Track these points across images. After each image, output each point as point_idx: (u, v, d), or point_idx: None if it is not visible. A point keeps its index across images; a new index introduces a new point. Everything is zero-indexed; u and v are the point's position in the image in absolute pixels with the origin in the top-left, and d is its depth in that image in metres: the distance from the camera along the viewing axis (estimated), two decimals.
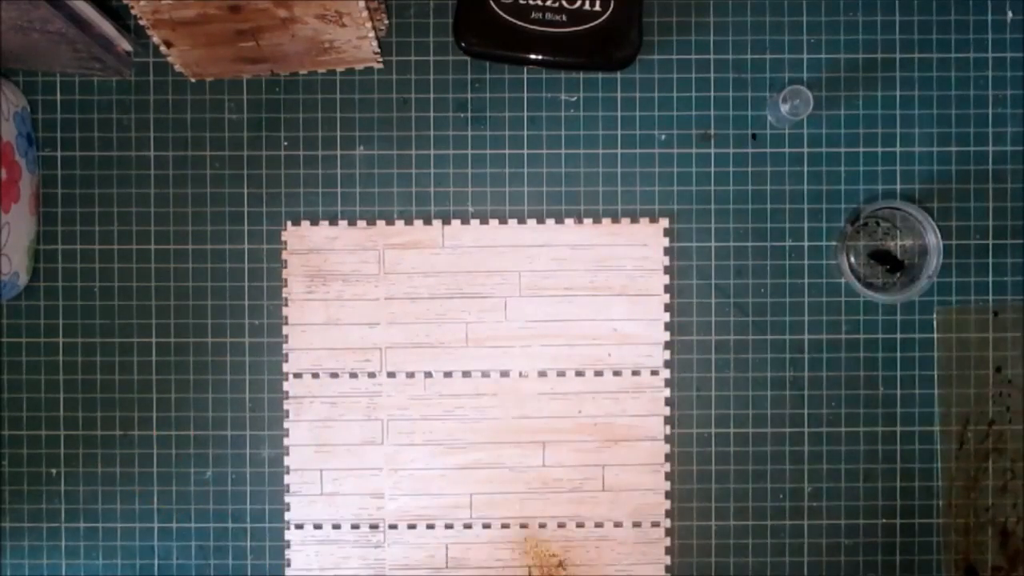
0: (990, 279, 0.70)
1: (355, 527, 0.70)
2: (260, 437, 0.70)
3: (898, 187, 0.70)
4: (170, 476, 0.70)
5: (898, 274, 0.70)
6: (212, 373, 0.70)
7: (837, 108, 0.70)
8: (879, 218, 0.70)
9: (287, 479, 0.70)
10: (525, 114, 0.70)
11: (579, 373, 0.70)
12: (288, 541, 0.70)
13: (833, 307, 0.70)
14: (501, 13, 0.66)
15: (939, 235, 0.67)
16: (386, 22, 0.69)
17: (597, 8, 0.66)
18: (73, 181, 0.70)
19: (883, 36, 0.70)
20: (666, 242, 0.70)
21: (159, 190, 0.71)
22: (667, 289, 0.70)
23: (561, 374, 0.70)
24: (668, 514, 0.70)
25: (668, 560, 0.70)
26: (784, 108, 0.67)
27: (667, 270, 0.70)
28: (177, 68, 0.68)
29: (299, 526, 0.70)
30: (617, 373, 0.70)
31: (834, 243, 0.70)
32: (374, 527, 0.70)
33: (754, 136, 0.70)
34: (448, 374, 0.70)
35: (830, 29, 0.70)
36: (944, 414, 0.70)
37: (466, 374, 0.70)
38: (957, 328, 0.70)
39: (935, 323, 0.70)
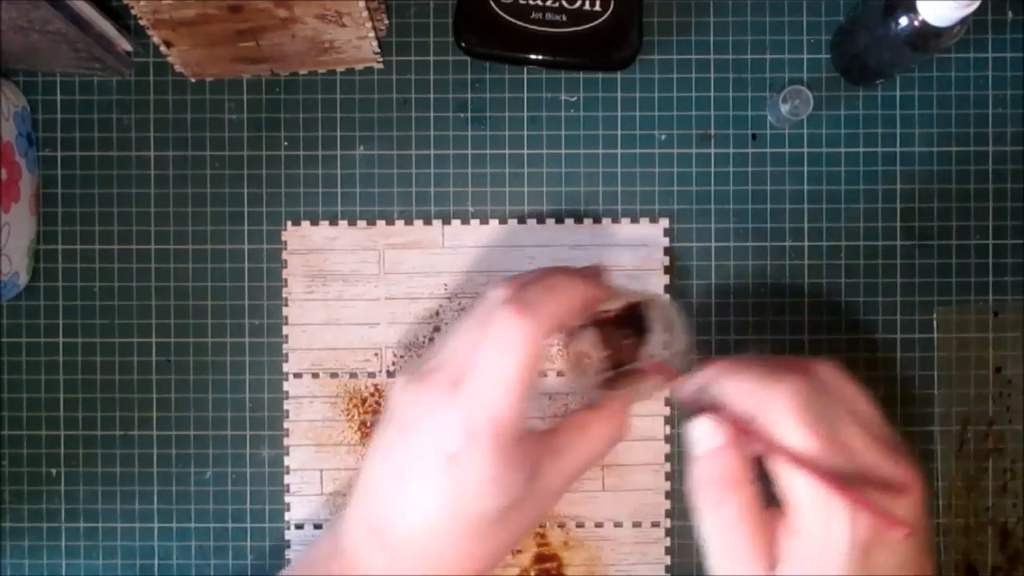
0: (990, 279, 0.70)
1: None
2: (260, 437, 0.70)
3: (898, 187, 0.70)
4: (170, 476, 0.70)
5: None
6: (212, 373, 0.70)
7: (837, 108, 0.70)
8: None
9: (287, 479, 0.70)
10: (525, 114, 0.70)
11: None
12: (288, 541, 0.70)
13: (833, 307, 0.70)
14: (501, 13, 0.66)
15: None
16: (386, 22, 0.69)
17: (597, 8, 0.66)
18: (73, 181, 0.70)
19: None
20: (666, 242, 0.70)
21: (159, 190, 0.71)
22: (667, 289, 0.70)
23: (561, 374, 0.70)
24: (668, 514, 0.70)
25: (668, 560, 0.70)
26: (784, 108, 0.67)
27: (667, 270, 0.70)
28: (177, 68, 0.68)
29: (299, 526, 0.70)
30: None
31: (834, 243, 0.70)
32: None
33: (754, 136, 0.70)
34: None
35: (830, 29, 0.70)
36: (944, 414, 0.70)
37: None
38: (957, 328, 0.70)
39: (935, 323, 0.70)
